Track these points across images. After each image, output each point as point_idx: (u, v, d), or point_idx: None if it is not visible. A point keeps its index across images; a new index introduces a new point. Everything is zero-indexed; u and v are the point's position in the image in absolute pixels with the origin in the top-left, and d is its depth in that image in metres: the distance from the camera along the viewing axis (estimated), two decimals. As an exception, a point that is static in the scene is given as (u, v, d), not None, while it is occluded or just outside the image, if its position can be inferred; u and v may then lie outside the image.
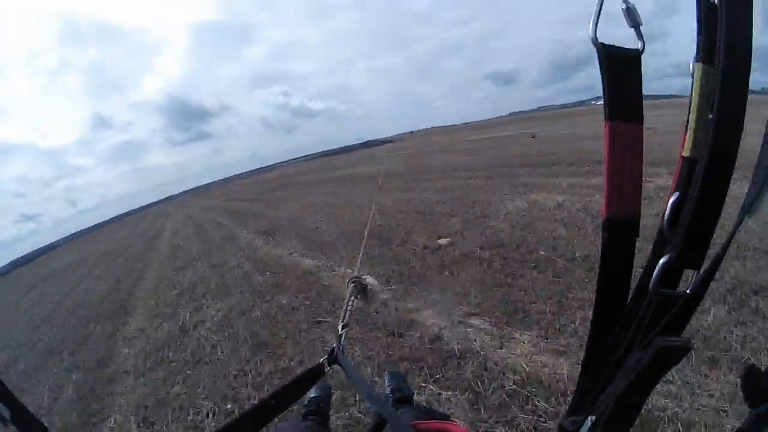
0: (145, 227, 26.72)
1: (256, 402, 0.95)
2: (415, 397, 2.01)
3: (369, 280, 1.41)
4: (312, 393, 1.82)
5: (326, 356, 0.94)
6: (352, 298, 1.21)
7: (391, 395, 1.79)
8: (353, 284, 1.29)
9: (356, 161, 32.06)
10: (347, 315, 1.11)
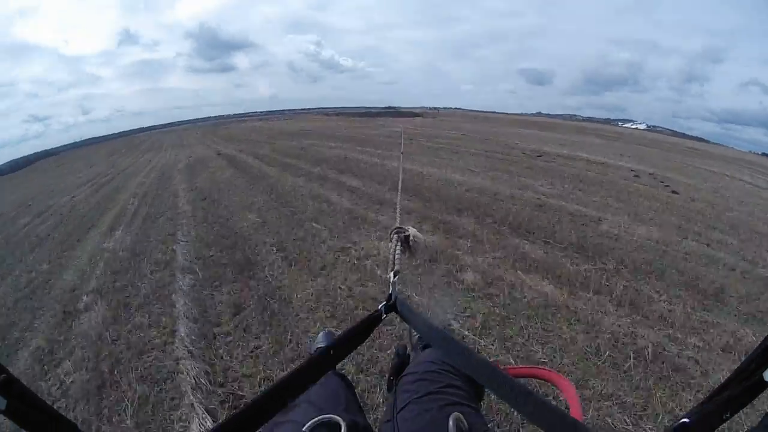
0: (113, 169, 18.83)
1: (317, 352, 0.82)
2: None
3: (412, 231, 1.41)
4: (319, 342, 2.06)
5: (384, 303, 0.95)
6: (397, 247, 1.26)
7: (419, 340, 1.63)
8: (396, 234, 1.34)
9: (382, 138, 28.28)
10: (396, 263, 1.15)
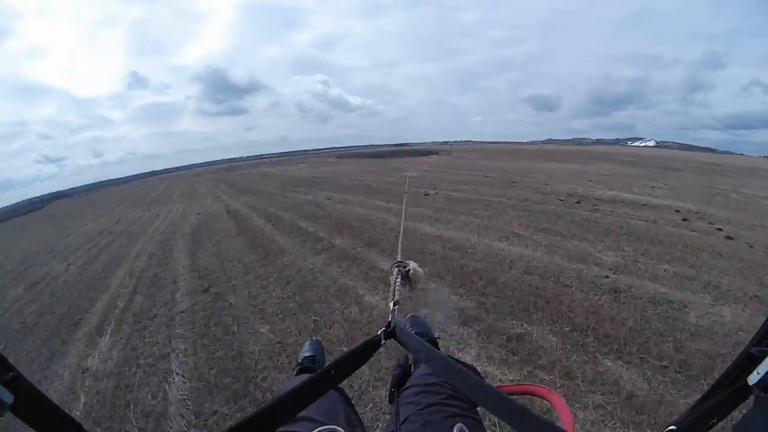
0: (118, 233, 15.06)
1: (316, 373, 0.89)
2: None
3: (412, 265, 1.55)
4: (306, 352, 2.08)
5: (383, 329, 1.04)
6: (398, 280, 1.42)
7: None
8: (397, 268, 1.50)
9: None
10: (396, 294, 1.31)
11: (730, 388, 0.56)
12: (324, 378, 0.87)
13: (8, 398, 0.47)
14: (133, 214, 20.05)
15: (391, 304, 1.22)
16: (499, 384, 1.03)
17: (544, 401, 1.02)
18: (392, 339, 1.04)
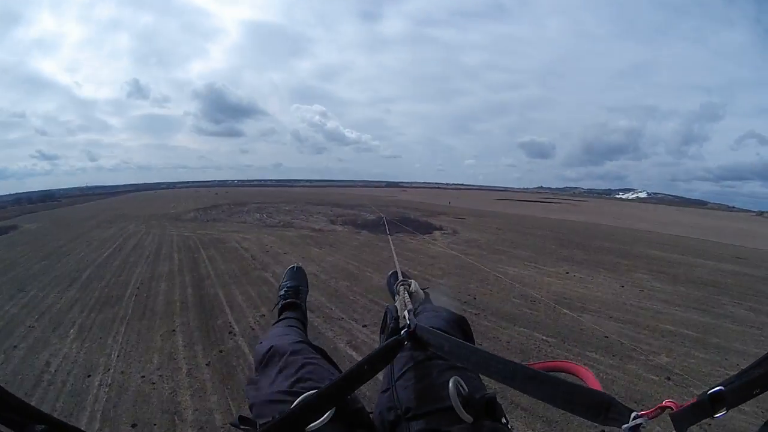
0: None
1: (352, 366, 0.95)
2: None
3: (413, 286, 1.75)
4: (286, 283, 2.07)
5: (405, 329, 1.10)
6: (406, 295, 1.57)
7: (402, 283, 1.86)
8: (402, 286, 1.68)
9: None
10: (408, 303, 1.47)
11: None
12: (360, 373, 0.93)
13: None
14: (101, 249, 17.37)
15: (406, 312, 1.31)
16: (530, 362, 1.04)
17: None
18: (414, 339, 1.09)
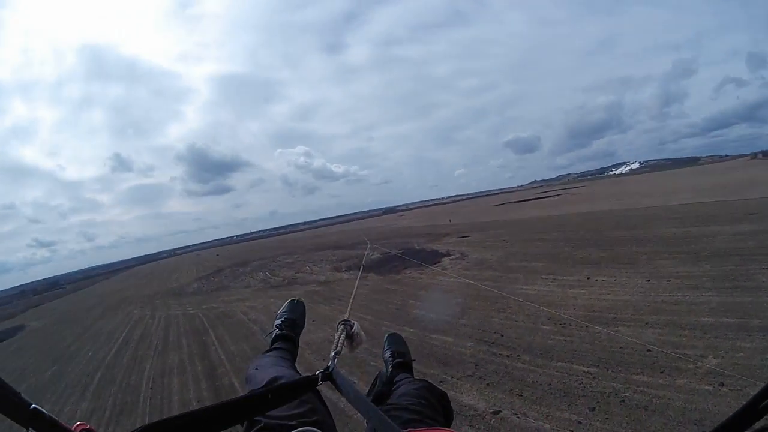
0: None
1: (255, 390, 1.14)
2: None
3: (356, 327, 1.79)
4: (284, 314, 2.13)
5: (322, 370, 1.23)
6: (342, 336, 1.62)
7: (390, 359, 2.11)
8: (343, 325, 1.72)
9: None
10: (338, 345, 1.51)
11: None
12: (261, 400, 1.02)
13: None
14: (95, 345, 16.52)
15: (332, 353, 1.42)
16: (410, 429, 1.00)
17: None
18: (328, 381, 1.22)
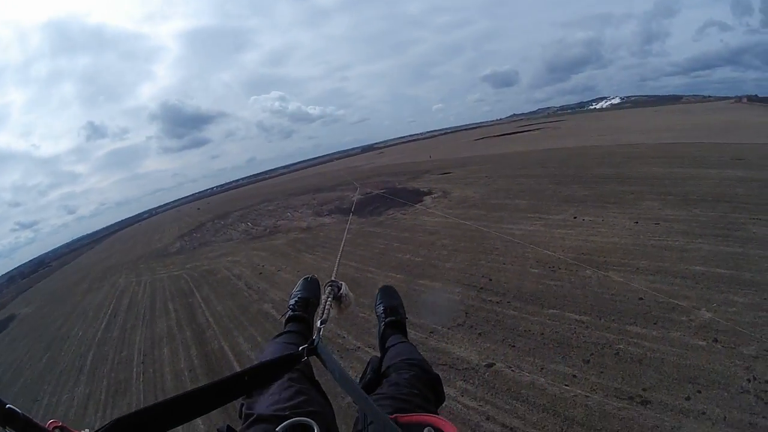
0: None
1: (229, 374, 1.08)
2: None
3: (344, 288, 1.77)
4: (298, 293, 2.07)
5: (305, 345, 1.25)
6: (329, 299, 1.64)
7: (383, 315, 2.04)
8: (330, 287, 1.72)
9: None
10: (325, 312, 1.52)
11: None
12: (236, 382, 1.02)
13: None
14: (85, 322, 16.53)
15: (318, 323, 1.42)
16: (397, 414, 0.96)
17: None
18: (313, 356, 1.24)
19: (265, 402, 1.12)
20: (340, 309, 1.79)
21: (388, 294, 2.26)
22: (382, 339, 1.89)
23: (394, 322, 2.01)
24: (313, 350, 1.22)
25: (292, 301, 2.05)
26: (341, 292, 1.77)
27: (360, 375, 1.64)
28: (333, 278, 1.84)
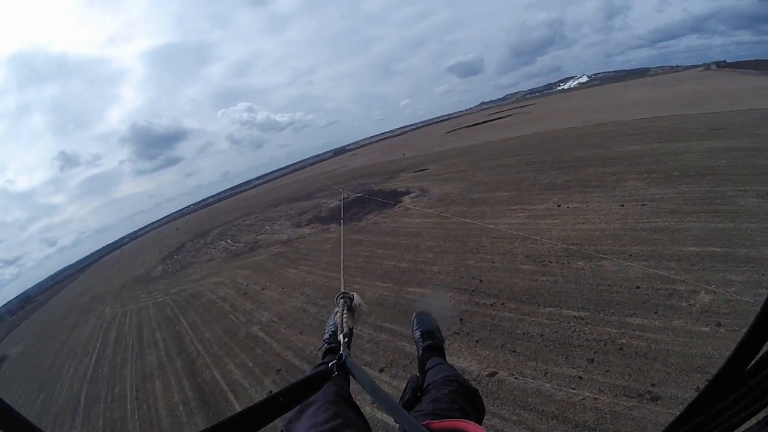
0: None
1: (263, 398, 1.07)
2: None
3: (356, 298, 1.88)
4: (332, 326, 2.06)
5: (335, 361, 1.28)
6: (344, 311, 1.75)
7: (420, 340, 2.12)
8: (342, 299, 1.83)
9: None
10: (345, 326, 1.63)
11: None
12: (271, 405, 1.02)
13: None
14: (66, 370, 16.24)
15: (341, 337, 1.48)
16: (429, 421, 0.96)
17: None
18: (342, 371, 1.27)
19: (303, 425, 1.15)
20: (354, 319, 1.88)
21: (424, 319, 2.34)
22: (421, 362, 1.95)
23: (432, 345, 2.08)
24: (342, 365, 1.25)
25: (326, 336, 2.10)
26: (354, 302, 1.91)
27: (400, 395, 1.65)
28: (343, 290, 1.97)
